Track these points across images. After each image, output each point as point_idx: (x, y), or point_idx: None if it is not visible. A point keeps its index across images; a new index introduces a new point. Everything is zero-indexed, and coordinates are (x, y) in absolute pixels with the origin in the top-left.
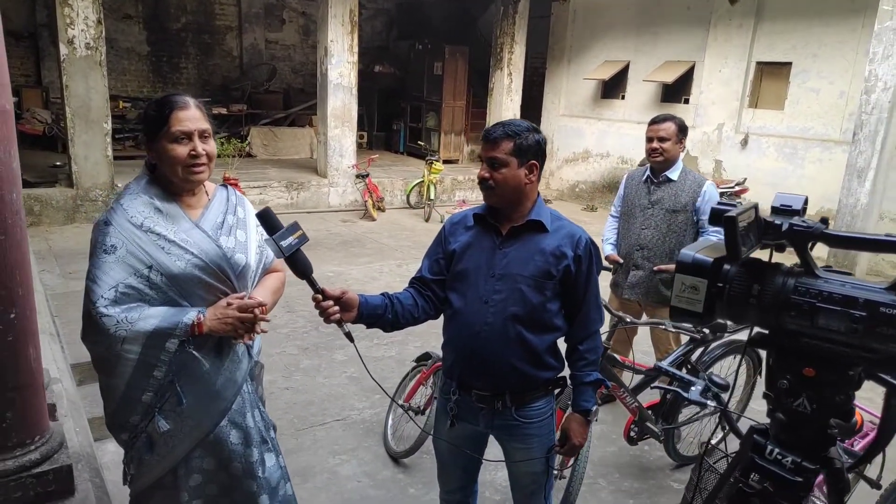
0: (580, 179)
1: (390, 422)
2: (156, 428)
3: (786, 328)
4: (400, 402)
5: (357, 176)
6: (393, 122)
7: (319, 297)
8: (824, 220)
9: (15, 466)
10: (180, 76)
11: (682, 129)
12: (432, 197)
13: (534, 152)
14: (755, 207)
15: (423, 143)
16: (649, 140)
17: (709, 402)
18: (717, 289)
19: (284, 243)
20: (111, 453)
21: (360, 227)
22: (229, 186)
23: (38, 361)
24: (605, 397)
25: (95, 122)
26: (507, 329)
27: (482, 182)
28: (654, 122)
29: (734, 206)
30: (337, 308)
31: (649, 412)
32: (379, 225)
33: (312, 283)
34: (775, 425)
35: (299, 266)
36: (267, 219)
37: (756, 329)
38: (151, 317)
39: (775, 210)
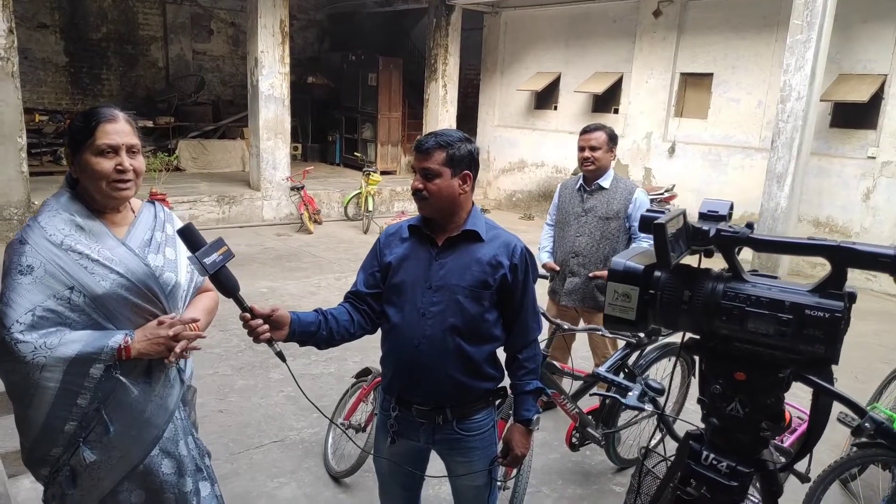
0: (517, 189)
1: (330, 441)
2: (80, 460)
3: (717, 333)
4: (340, 420)
5: (292, 188)
6: (328, 134)
7: (248, 315)
8: (750, 225)
9: None
10: (102, 88)
11: (613, 138)
12: (371, 208)
13: (467, 162)
14: (683, 214)
15: (359, 155)
16: (581, 149)
17: (645, 406)
18: (650, 296)
19: (208, 260)
20: (27, 490)
21: (296, 240)
22: (157, 203)
23: None
24: (546, 404)
25: (8, 136)
26: (445, 341)
27: (416, 193)
28: (585, 131)
29: (663, 212)
30: (266, 327)
31: (590, 417)
32: (316, 238)
33: (239, 301)
34: (709, 430)
35: (225, 284)
36: (189, 235)
37: (688, 334)
38: (73, 342)
39: (703, 216)
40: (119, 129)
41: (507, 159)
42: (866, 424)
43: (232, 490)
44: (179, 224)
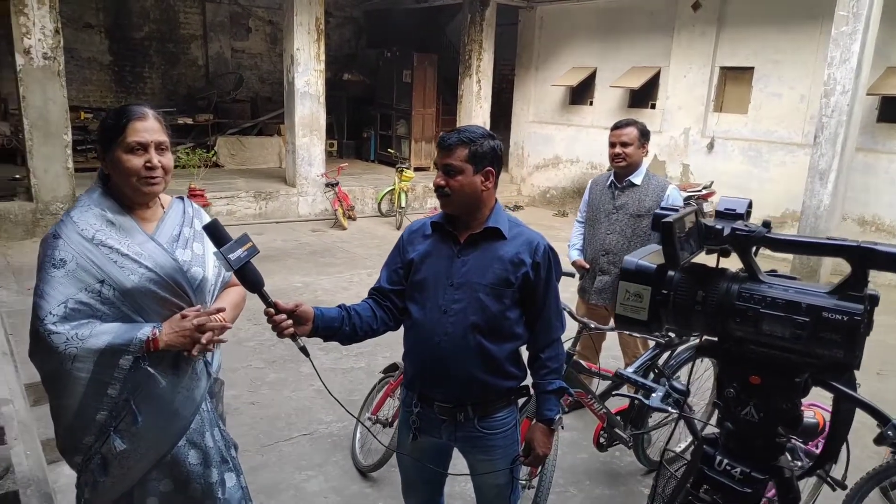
0: (551, 185)
1: (358, 435)
2: (111, 448)
3: (732, 335)
4: (367, 414)
5: (326, 185)
6: (363, 130)
7: (272, 310)
8: (766, 224)
9: None
10: (144, 86)
11: (644, 134)
12: (403, 205)
13: (489, 159)
14: (696, 212)
15: (393, 151)
16: (612, 145)
17: (670, 408)
18: (662, 296)
19: (233, 256)
20: (66, 476)
21: (330, 236)
22: (186, 199)
23: None
24: (573, 404)
25: (55, 133)
26: (466, 339)
27: (438, 189)
28: (616, 127)
29: (675, 211)
30: (290, 322)
31: (618, 418)
32: (349, 234)
33: (264, 297)
34: (724, 435)
35: (249, 279)
36: (214, 231)
37: (706, 336)
38: (104, 333)
39: (719, 214)
40: (148, 127)
41: (542, 155)
42: (889, 433)
43: (261, 481)
44: (208, 220)
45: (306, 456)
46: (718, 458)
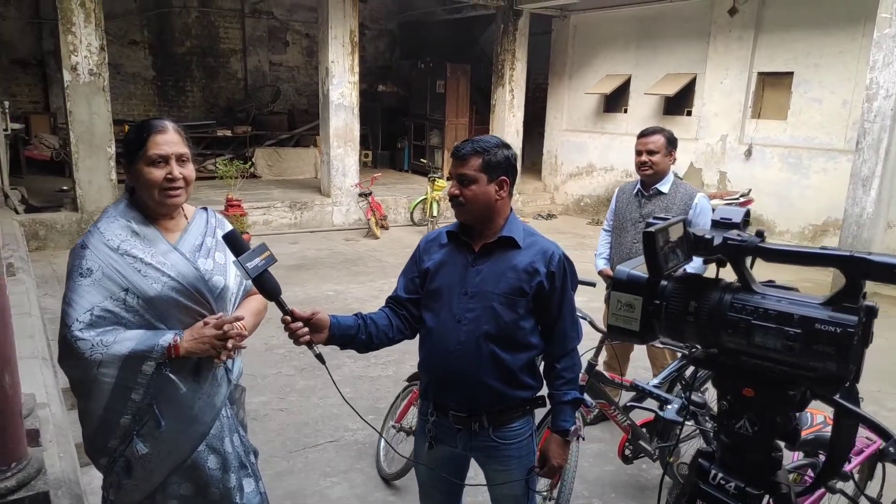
0: (585, 193)
1: (383, 443)
2: (134, 451)
3: (725, 346)
4: (391, 422)
5: (360, 195)
6: (397, 141)
7: (288, 318)
8: (760, 234)
9: None
10: (186, 99)
11: (671, 142)
12: (435, 214)
13: (503, 168)
14: (683, 222)
15: (426, 161)
16: (638, 153)
17: (686, 420)
18: (655, 306)
19: (250, 265)
20: (99, 478)
21: (362, 245)
22: (209, 209)
23: (15, 388)
24: (600, 415)
25: (99, 146)
26: (480, 348)
27: (452, 199)
28: (642, 135)
29: (665, 220)
30: (306, 329)
31: (643, 430)
32: (382, 243)
33: (281, 305)
34: (720, 448)
35: (267, 287)
36: (232, 241)
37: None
38: (127, 339)
39: (714, 224)
40: (169, 140)
41: (575, 164)
42: (890, 449)
43: (286, 487)
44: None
45: (332, 463)
46: (713, 472)
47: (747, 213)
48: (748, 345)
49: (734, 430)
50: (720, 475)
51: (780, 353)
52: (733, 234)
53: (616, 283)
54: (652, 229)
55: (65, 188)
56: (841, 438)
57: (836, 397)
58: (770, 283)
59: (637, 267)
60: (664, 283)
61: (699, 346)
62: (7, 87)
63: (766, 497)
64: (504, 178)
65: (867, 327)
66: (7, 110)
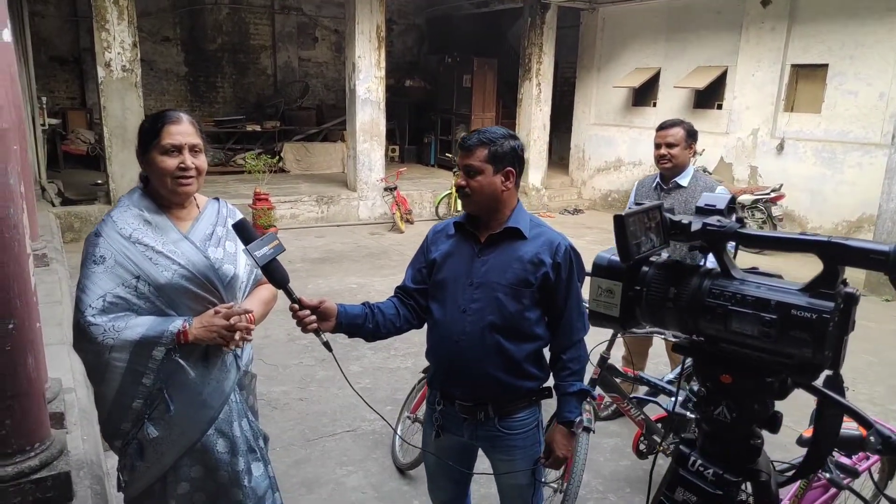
0: (612, 188)
1: (398, 432)
2: (146, 434)
3: (704, 332)
4: (407, 413)
5: (385, 189)
6: (424, 136)
7: (296, 306)
8: (740, 220)
9: (14, 472)
10: (217, 95)
11: (691, 134)
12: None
13: (510, 159)
14: (659, 207)
15: (452, 155)
16: (657, 146)
17: (687, 413)
18: (635, 292)
19: (259, 253)
20: None
21: (387, 239)
22: (221, 199)
23: (38, 370)
24: (617, 410)
25: (131, 140)
26: (484, 338)
27: (459, 190)
28: (661, 127)
29: (640, 205)
30: (314, 318)
31: (658, 425)
32: (406, 237)
33: (289, 293)
34: (700, 436)
35: (275, 276)
36: (242, 230)
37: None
38: (138, 325)
39: (698, 210)
40: (182, 130)
41: (603, 158)
42: (871, 438)
43: (303, 475)
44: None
45: (348, 452)
46: (692, 458)
47: (732, 200)
48: (725, 330)
49: (713, 417)
50: (699, 462)
51: (757, 339)
52: (713, 219)
53: (596, 269)
54: (623, 213)
55: (99, 182)
56: (824, 428)
57: (822, 386)
58: (753, 270)
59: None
60: (645, 268)
61: (679, 333)
62: (46, 84)
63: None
64: (510, 168)
65: (845, 314)
66: (45, 106)
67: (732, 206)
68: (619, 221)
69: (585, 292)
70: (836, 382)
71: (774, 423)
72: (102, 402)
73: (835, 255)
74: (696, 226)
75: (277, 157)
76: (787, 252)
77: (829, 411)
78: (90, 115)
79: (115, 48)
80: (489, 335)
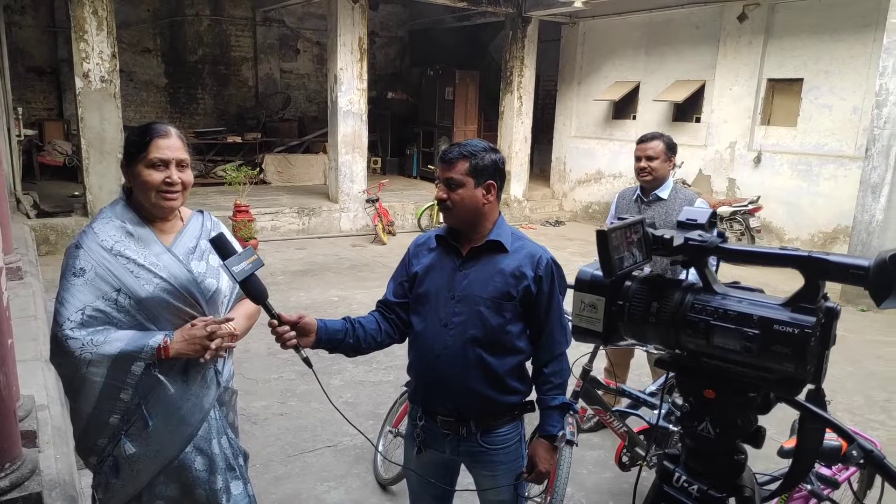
0: (593, 200)
1: (379, 448)
2: (122, 451)
3: (685, 347)
4: (388, 427)
5: (367, 201)
6: (406, 148)
7: (275, 322)
8: (721, 234)
9: None
10: (197, 106)
11: (671, 147)
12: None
13: (490, 172)
14: (642, 222)
15: (434, 167)
16: (637, 159)
17: (669, 425)
18: (618, 307)
19: (237, 268)
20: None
21: (369, 251)
22: (205, 212)
23: (10, 388)
24: (599, 422)
25: (109, 152)
26: (466, 352)
27: (440, 203)
28: (641, 140)
29: (623, 219)
30: (293, 333)
31: (640, 437)
32: (388, 249)
33: (268, 309)
34: (684, 451)
35: (253, 291)
36: (219, 245)
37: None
38: (117, 340)
39: (680, 224)
40: (171, 144)
41: (584, 170)
42: (853, 452)
43: (283, 491)
44: (228, 234)
45: (329, 467)
46: (677, 474)
47: (713, 215)
48: (707, 345)
49: (696, 432)
50: (684, 477)
51: (739, 353)
52: (695, 234)
53: (579, 284)
54: (605, 227)
55: (76, 194)
56: (806, 442)
57: (804, 401)
58: (735, 285)
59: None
60: (628, 283)
61: (661, 348)
62: (22, 94)
63: (731, 500)
64: (491, 182)
65: (826, 328)
66: (21, 117)
67: (713, 220)
68: (602, 237)
69: (567, 305)
70: (818, 396)
71: (758, 437)
72: (78, 417)
73: (815, 270)
74: (678, 241)
75: (258, 169)
76: (767, 266)
77: (812, 425)
78: (67, 126)
79: (94, 59)
80: (471, 349)
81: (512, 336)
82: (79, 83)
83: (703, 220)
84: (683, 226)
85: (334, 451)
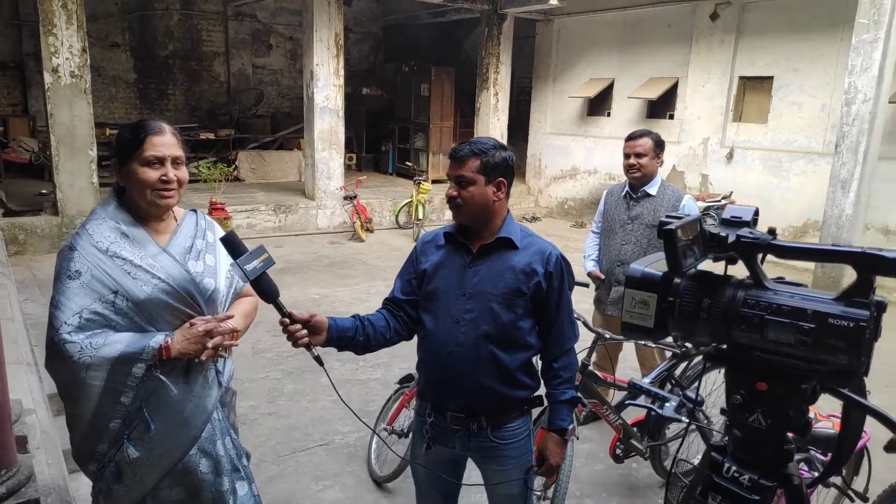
0: (568, 196)
1: (374, 445)
2: (125, 456)
3: (737, 342)
4: (383, 425)
5: (345, 198)
6: (382, 144)
7: (287, 321)
8: (772, 231)
9: None
10: (168, 102)
11: (659, 144)
12: (421, 217)
13: (501, 169)
14: (699, 220)
15: (411, 164)
16: (626, 156)
17: (682, 417)
18: (668, 303)
19: (249, 267)
20: (86, 486)
21: (348, 248)
22: (199, 211)
23: (5, 394)
24: (591, 415)
25: (80, 149)
26: (478, 348)
27: (451, 200)
28: (630, 138)
29: (679, 218)
30: (305, 332)
31: (634, 429)
32: (367, 246)
33: (279, 307)
34: (732, 442)
35: (265, 289)
36: (231, 244)
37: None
38: (117, 342)
39: (725, 222)
40: (165, 142)
41: (559, 167)
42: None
43: (277, 492)
44: (221, 232)
45: (322, 466)
46: (726, 465)
47: (756, 212)
48: (762, 340)
49: (748, 424)
50: (734, 468)
51: (794, 347)
52: (745, 231)
53: (630, 281)
54: (672, 226)
55: (45, 192)
56: (850, 431)
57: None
58: (780, 280)
59: (650, 264)
60: (677, 280)
61: (708, 342)
62: None
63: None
64: (501, 179)
65: (877, 322)
66: None
67: (756, 217)
68: (671, 235)
69: (573, 299)
70: (859, 386)
71: (807, 427)
72: (77, 423)
73: (869, 265)
74: (730, 238)
75: (232, 166)
76: (819, 262)
77: (854, 414)
78: (33, 122)
79: (64, 53)
80: (483, 345)
81: (523, 332)
82: (48, 78)
83: (747, 217)
84: (728, 223)
85: (327, 450)
